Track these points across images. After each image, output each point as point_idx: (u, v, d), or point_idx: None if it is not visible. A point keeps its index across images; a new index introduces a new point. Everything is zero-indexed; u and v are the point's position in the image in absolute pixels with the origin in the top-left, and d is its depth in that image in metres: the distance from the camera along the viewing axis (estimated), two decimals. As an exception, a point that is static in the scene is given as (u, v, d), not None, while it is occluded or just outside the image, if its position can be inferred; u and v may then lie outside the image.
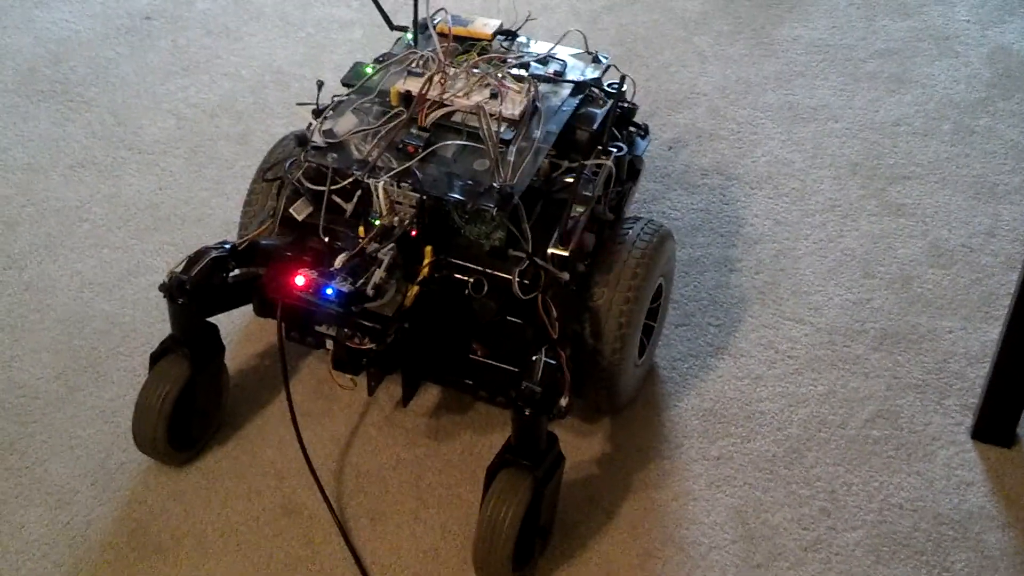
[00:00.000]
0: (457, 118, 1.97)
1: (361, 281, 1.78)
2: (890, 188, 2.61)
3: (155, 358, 1.98)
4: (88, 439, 2.08)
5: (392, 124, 1.94)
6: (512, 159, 1.89)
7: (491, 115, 1.93)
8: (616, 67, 2.14)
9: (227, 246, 1.98)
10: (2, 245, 2.43)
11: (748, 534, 1.96)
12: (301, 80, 2.87)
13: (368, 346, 1.82)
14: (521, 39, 2.19)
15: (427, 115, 1.95)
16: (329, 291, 1.76)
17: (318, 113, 2.07)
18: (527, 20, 2.23)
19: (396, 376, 2.03)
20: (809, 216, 2.53)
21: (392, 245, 1.82)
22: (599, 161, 1.99)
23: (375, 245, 1.83)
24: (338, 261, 1.82)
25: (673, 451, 2.08)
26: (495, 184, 1.85)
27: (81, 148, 2.66)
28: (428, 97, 1.96)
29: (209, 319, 2.00)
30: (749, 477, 2.05)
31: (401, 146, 1.92)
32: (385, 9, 2.25)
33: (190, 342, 1.97)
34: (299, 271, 1.79)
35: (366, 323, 1.80)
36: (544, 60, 2.10)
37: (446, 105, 1.96)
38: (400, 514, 1.98)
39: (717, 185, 2.60)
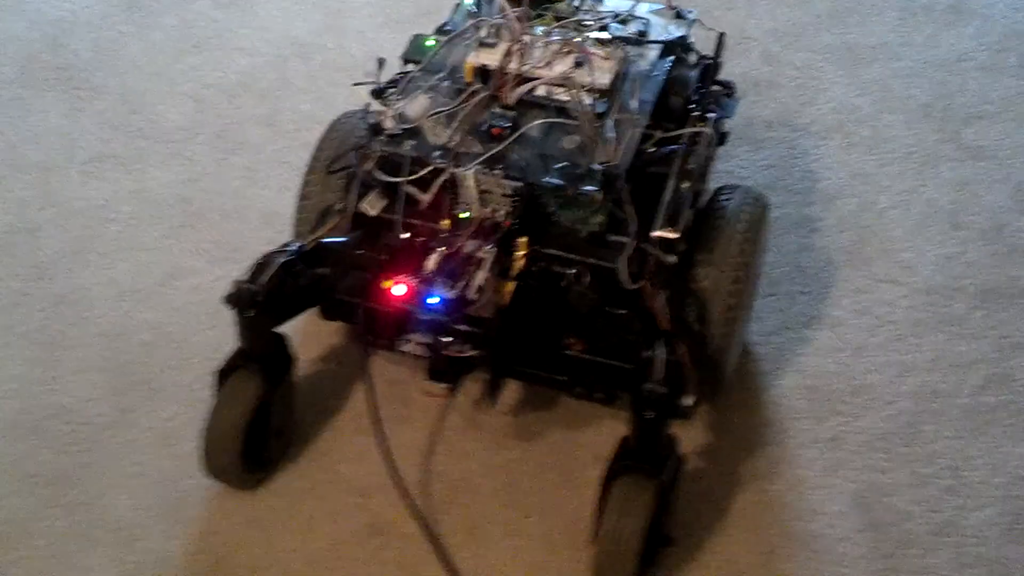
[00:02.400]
0: (540, 91, 1.79)
1: (462, 284, 1.61)
2: (965, 130, 2.45)
3: (223, 375, 1.81)
4: (149, 466, 1.92)
5: (472, 103, 1.76)
6: (610, 134, 1.72)
7: (580, 86, 1.75)
8: (702, 22, 1.96)
9: (294, 248, 1.80)
10: (26, 254, 2.23)
11: (873, 522, 1.83)
12: (323, 51, 2.67)
13: (470, 353, 1.66)
14: (592, -2, 2.01)
15: (510, 92, 1.77)
16: (434, 299, 1.59)
17: (378, 94, 1.89)
18: (598, -26, 2.03)
19: (473, 374, 1.86)
20: (886, 165, 2.38)
21: (493, 243, 1.65)
22: (698, 129, 1.82)
23: (471, 242, 1.66)
24: (431, 262, 1.65)
25: (780, 436, 1.94)
26: (596, 165, 1.68)
27: (97, 140, 2.46)
28: (508, 71, 1.78)
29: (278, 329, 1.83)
30: (866, 459, 1.91)
31: (485, 128, 1.74)
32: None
33: (261, 356, 1.80)
34: (396, 278, 1.62)
35: (466, 328, 1.64)
36: (624, 19, 1.91)
37: (529, 79, 1.78)
38: (498, 526, 1.83)
39: (784, 138, 2.44)
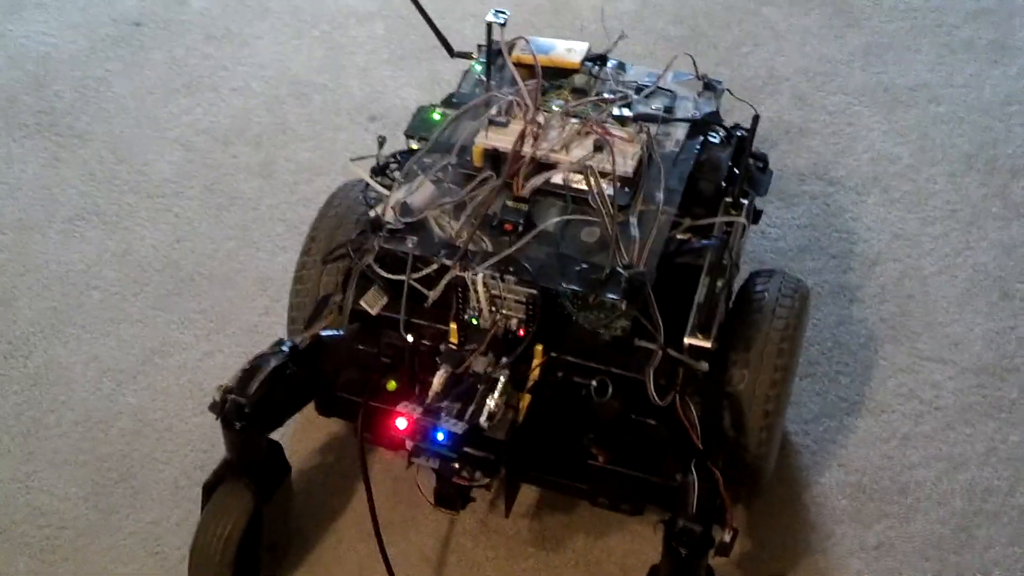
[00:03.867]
0: (556, 177, 1.62)
1: (471, 411, 1.45)
2: (1013, 184, 2.27)
3: (209, 489, 1.65)
4: (132, 576, 1.76)
5: (481, 193, 1.59)
6: (634, 231, 1.54)
7: (600, 174, 1.58)
8: (732, 92, 1.79)
9: (285, 349, 1.64)
10: (1, 327, 2.07)
11: (927, 645, 1.67)
12: (323, 90, 2.49)
13: (481, 483, 1.49)
14: (611, 63, 1.83)
15: (524, 181, 1.59)
16: (440, 435, 1.42)
17: (379, 171, 1.72)
18: (619, 40, 1.85)
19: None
20: (929, 225, 2.20)
21: (507, 363, 1.48)
22: (731, 218, 1.64)
23: (481, 360, 1.49)
24: (436, 382, 1.48)
25: (824, 542, 1.77)
26: (620, 268, 1.51)
27: (79, 195, 2.28)
28: (522, 155, 1.60)
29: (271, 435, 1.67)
30: (917, 569, 1.74)
31: (496, 223, 1.57)
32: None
33: (252, 468, 1.63)
34: (397, 410, 1.45)
35: (477, 454, 1.47)
36: (649, 93, 1.74)
37: (545, 166, 1.60)
38: (515, 648, 1.68)
39: (819, 193, 2.26)
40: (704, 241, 1.61)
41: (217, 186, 2.30)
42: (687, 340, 1.54)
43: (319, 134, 2.39)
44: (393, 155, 1.76)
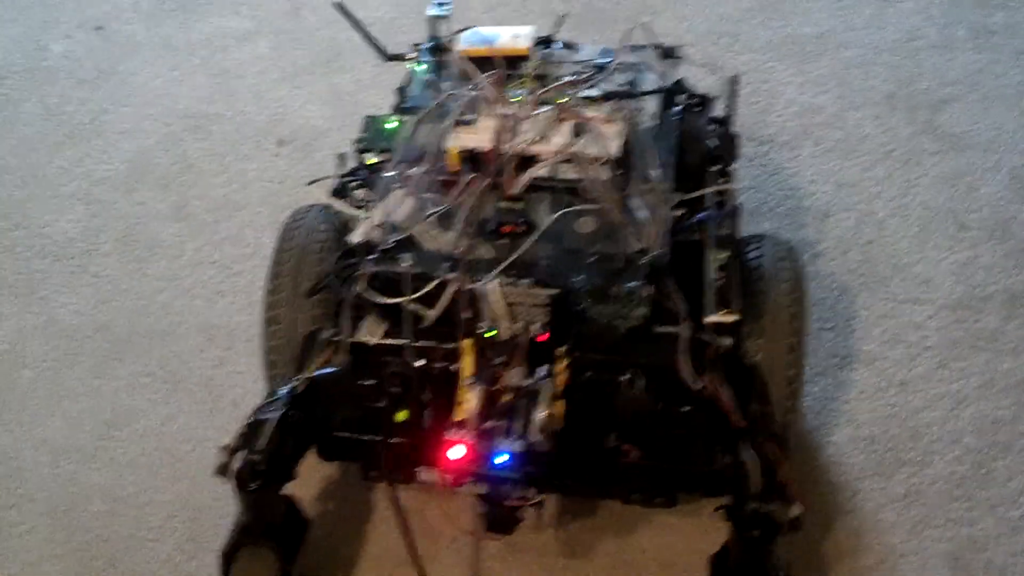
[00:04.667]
0: (541, 170, 1.53)
1: (519, 427, 1.35)
2: (936, 117, 2.29)
3: (229, 556, 1.50)
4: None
5: (469, 198, 1.49)
6: (641, 213, 1.47)
7: (589, 160, 1.50)
8: (694, 60, 1.73)
9: (282, 396, 1.51)
10: (-73, 426, 1.86)
11: (977, 584, 1.65)
12: (219, 121, 2.33)
13: (537, 499, 1.40)
14: (557, 45, 1.75)
15: (514, 178, 1.50)
16: (502, 458, 1.32)
17: (339, 192, 1.60)
18: (563, 19, 1.78)
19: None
20: (869, 170, 2.20)
21: (548, 371, 1.39)
22: (723, 187, 1.59)
23: (516, 370, 1.39)
24: (472, 403, 1.37)
25: (852, 500, 1.74)
26: (636, 254, 1.43)
27: (-19, 269, 2.08)
28: (502, 153, 1.51)
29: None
30: (948, 510, 1.73)
31: (494, 227, 1.47)
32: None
33: (272, 529, 1.50)
34: (451, 440, 1.34)
35: (526, 471, 1.38)
36: (614, 69, 1.66)
37: (530, 160, 1.51)
38: (573, 669, 1.58)
39: (753, 154, 2.23)
40: (703, 215, 1.55)
41: (131, 237, 2.13)
42: (709, 318, 1.48)
43: (227, 167, 2.24)
44: (350, 172, 1.64)
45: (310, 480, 1.75)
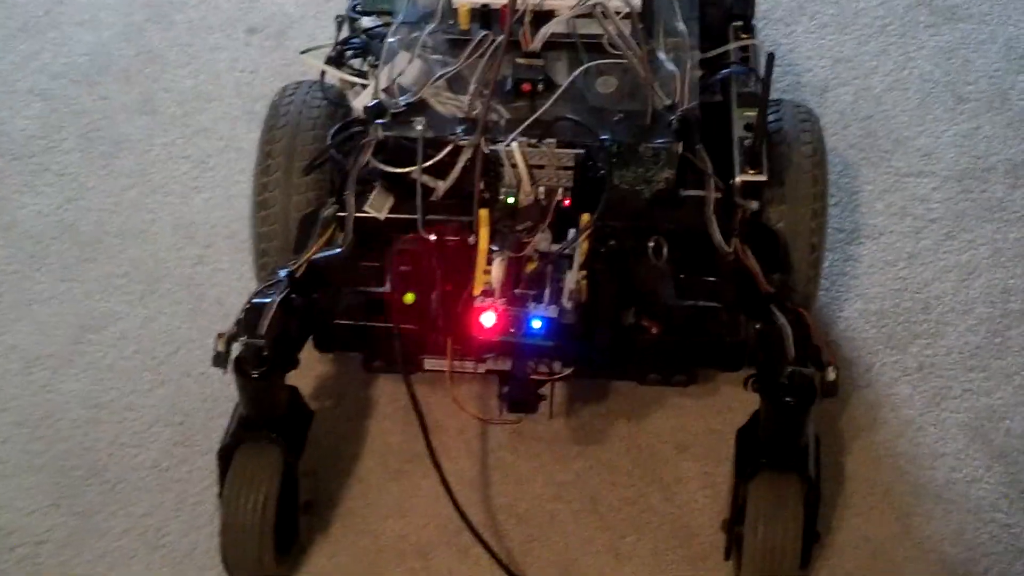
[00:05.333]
0: (559, 26, 1.44)
1: (548, 294, 1.27)
2: (931, -11, 2.23)
3: (226, 455, 1.41)
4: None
5: (485, 56, 1.39)
6: (669, 67, 1.38)
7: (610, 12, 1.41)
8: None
9: (282, 277, 1.41)
10: None
11: (998, 452, 1.61)
12: (184, 8, 2.20)
13: (563, 373, 1.32)
14: None
15: (531, 33, 1.40)
16: (537, 323, 1.24)
17: (336, 60, 1.50)
18: None
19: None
20: (865, 44, 2.13)
21: (577, 235, 1.30)
22: (748, 42, 1.51)
23: (543, 235, 1.31)
24: (496, 270, 1.29)
25: (867, 375, 1.69)
26: (665, 111, 1.35)
27: (-67, 171, 1.95)
28: (517, 7, 1.41)
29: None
30: (965, 381, 1.68)
31: (510, 86, 1.38)
32: None
33: (276, 421, 1.41)
34: (481, 307, 1.25)
35: (555, 343, 1.30)
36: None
37: (547, 15, 1.42)
38: (593, 556, 1.52)
39: (746, 30, 2.15)
40: (727, 71, 1.47)
41: (94, 133, 2.00)
42: (739, 178, 1.41)
43: (195, 57, 2.11)
44: (346, 39, 1.54)
45: (306, 375, 1.66)
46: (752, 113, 1.43)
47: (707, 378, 1.62)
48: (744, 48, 1.51)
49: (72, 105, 2.04)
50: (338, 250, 1.43)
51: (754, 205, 1.42)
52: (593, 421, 1.63)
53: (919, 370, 1.69)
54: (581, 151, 1.33)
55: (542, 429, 1.62)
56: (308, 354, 1.55)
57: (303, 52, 1.53)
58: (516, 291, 1.27)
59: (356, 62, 1.54)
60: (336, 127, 1.46)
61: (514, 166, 1.33)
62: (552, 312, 1.24)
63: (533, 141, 1.33)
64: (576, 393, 1.65)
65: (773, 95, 1.94)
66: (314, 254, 1.44)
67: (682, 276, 1.43)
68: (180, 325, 1.75)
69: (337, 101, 1.54)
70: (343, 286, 1.46)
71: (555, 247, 1.30)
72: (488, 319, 1.26)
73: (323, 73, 1.54)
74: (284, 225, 1.53)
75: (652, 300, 1.44)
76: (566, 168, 1.34)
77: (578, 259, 1.30)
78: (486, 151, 1.33)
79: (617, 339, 1.46)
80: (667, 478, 1.58)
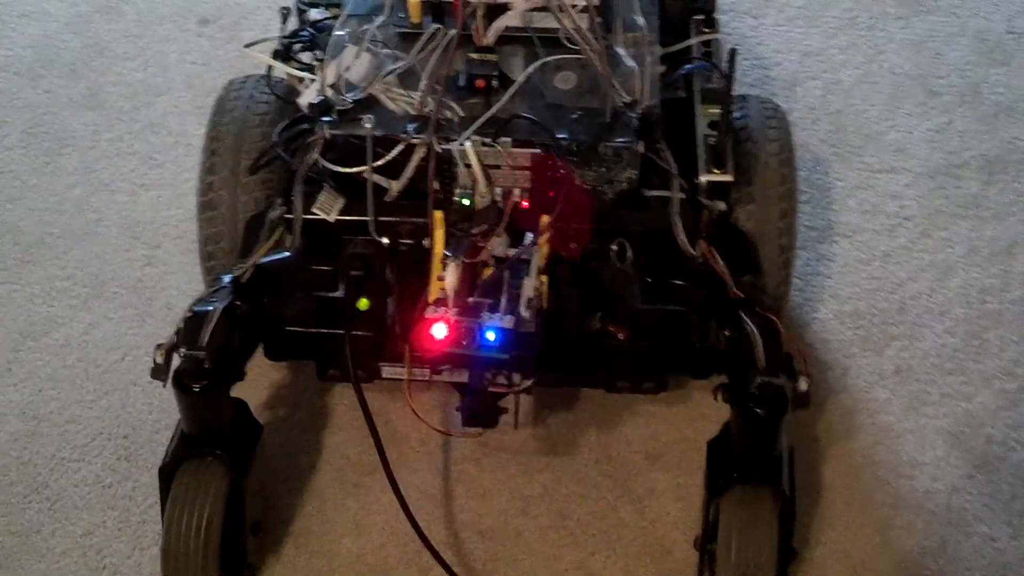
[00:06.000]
0: (513, 19, 1.37)
1: (504, 302, 1.20)
2: (899, -20, 2.17)
3: (168, 473, 1.33)
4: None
5: (436, 51, 1.32)
6: (629, 63, 1.32)
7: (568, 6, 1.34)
8: None
9: (226, 283, 1.34)
10: None
11: (980, 460, 1.55)
12: (132, 0, 2.11)
13: (522, 386, 1.25)
14: None
15: (485, 27, 1.33)
16: (491, 334, 1.17)
17: (283, 54, 1.42)
18: None
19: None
20: (833, 37, 2.08)
21: (536, 238, 1.23)
22: (710, 36, 1.44)
23: (498, 240, 1.24)
24: (449, 277, 1.22)
25: (843, 379, 1.63)
26: (625, 108, 1.28)
27: None
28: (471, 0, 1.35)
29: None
30: (943, 385, 1.63)
31: (464, 83, 1.31)
32: None
33: (220, 437, 1.33)
34: (431, 318, 1.18)
35: (512, 356, 1.23)
36: None
37: (495, 8, 1.35)
38: (563, 574, 1.45)
39: (712, 22, 2.09)
40: (690, 66, 1.41)
41: (38, 128, 1.92)
42: (703, 178, 1.35)
43: (144, 49, 2.03)
44: (294, 32, 1.46)
45: (257, 385, 1.58)
46: (716, 110, 1.37)
47: (679, 385, 1.56)
48: (707, 43, 1.44)
49: (14, 99, 1.96)
50: (287, 254, 1.36)
51: (721, 206, 1.36)
52: (561, 430, 1.57)
53: (896, 374, 1.64)
54: (537, 151, 1.26)
55: (508, 440, 1.55)
56: (261, 361, 1.48)
57: (247, 46, 1.45)
58: (471, 299, 1.19)
59: (306, 56, 1.47)
60: (283, 124, 1.39)
61: (468, 166, 1.25)
62: (508, 323, 1.17)
63: (487, 140, 1.26)
64: (543, 401, 1.58)
65: (739, 91, 1.91)
66: (261, 258, 1.36)
67: (649, 280, 1.36)
68: (126, 331, 1.67)
69: (286, 97, 1.46)
70: (293, 292, 1.39)
71: (512, 252, 1.23)
72: (439, 331, 1.18)
73: (269, 68, 1.46)
74: (231, 227, 1.46)
75: (618, 305, 1.37)
76: (523, 168, 1.27)
77: (536, 264, 1.23)
78: (439, 150, 1.26)
79: (583, 345, 1.39)
80: (639, 490, 1.51)
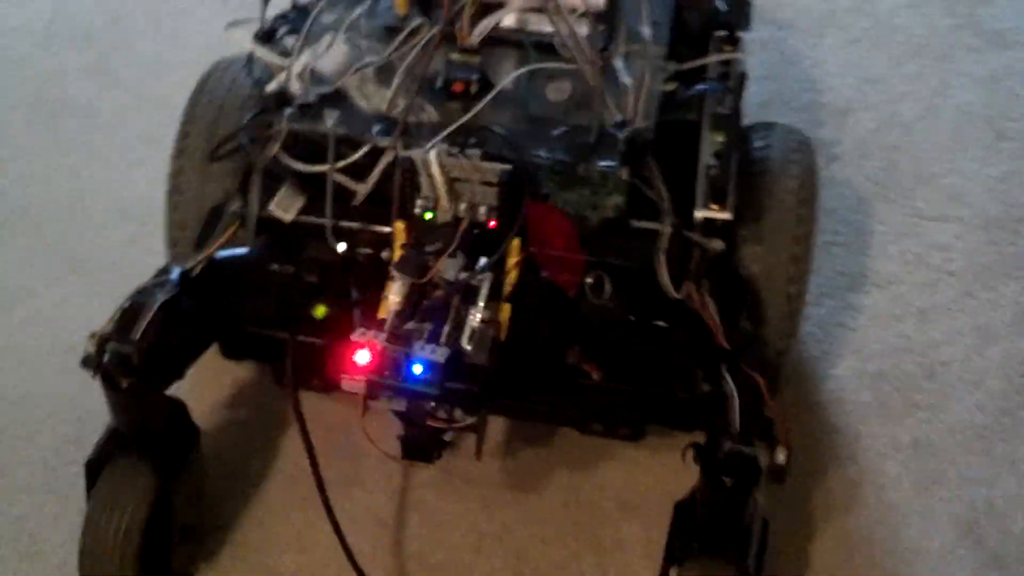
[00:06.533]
0: (507, 21, 1.24)
1: (447, 331, 1.08)
2: (980, 9, 2.00)
3: (94, 468, 1.25)
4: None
5: (416, 48, 1.21)
6: (624, 78, 1.19)
7: (567, 9, 1.21)
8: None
9: (174, 277, 1.24)
10: None
11: (992, 555, 1.38)
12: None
13: (463, 423, 1.14)
14: None
15: (470, 26, 1.21)
16: (417, 367, 1.05)
17: (266, 37, 1.32)
18: None
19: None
20: (900, 65, 1.91)
21: (489, 263, 1.11)
22: (728, 55, 1.30)
23: (451, 261, 1.12)
24: (394, 299, 1.10)
25: (852, 446, 1.48)
26: (613, 128, 1.15)
27: None
28: (461, -5, 1.23)
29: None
30: (963, 465, 1.47)
31: (442, 84, 1.19)
32: None
33: (150, 437, 1.24)
34: (357, 341, 1.07)
35: (456, 386, 1.11)
36: None
37: (490, 6, 1.23)
38: (510, 624, 1.34)
39: (770, 39, 1.94)
40: (701, 87, 1.27)
41: (44, 94, 1.85)
42: (699, 213, 1.21)
43: (161, 22, 1.95)
44: (282, 15, 1.36)
45: (220, 381, 1.49)
46: (722, 139, 1.23)
47: (665, 431, 1.42)
48: (727, 62, 1.30)
49: (25, 63, 1.90)
50: (240, 250, 1.26)
51: (718, 245, 1.22)
52: (532, 465, 1.45)
53: (913, 447, 1.48)
54: (507, 167, 1.14)
55: (473, 469, 1.43)
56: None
57: (229, 26, 1.35)
58: (407, 326, 1.08)
59: (292, 40, 1.36)
60: (254, 112, 1.28)
61: (430, 176, 1.14)
62: (438, 356, 1.05)
63: (455, 150, 1.14)
64: (517, 431, 1.46)
65: (783, 115, 1.76)
66: (213, 253, 1.26)
67: (632, 318, 1.23)
68: (98, 310, 1.53)
69: (266, 82, 1.36)
70: (249, 291, 1.29)
71: (463, 276, 1.11)
72: (361, 357, 1.07)
73: (250, 55, 1.36)
74: (198, 214, 1.36)
75: (593, 342, 1.25)
76: (490, 184, 1.15)
77: (485, 293, 1.10)
78: (400, 155, 1.15)
79: (552, 382, 1.27)
80: (605, 541, 1.38)
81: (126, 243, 1.66)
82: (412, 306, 1.10)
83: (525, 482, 1.43)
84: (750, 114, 1.78)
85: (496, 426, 1.45)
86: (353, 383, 1.27)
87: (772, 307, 1.31)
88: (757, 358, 1.22)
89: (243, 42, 1.33)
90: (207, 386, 1.49)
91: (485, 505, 1.41)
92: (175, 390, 1.43)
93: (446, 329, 1.08)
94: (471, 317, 1.08)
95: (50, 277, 1.62)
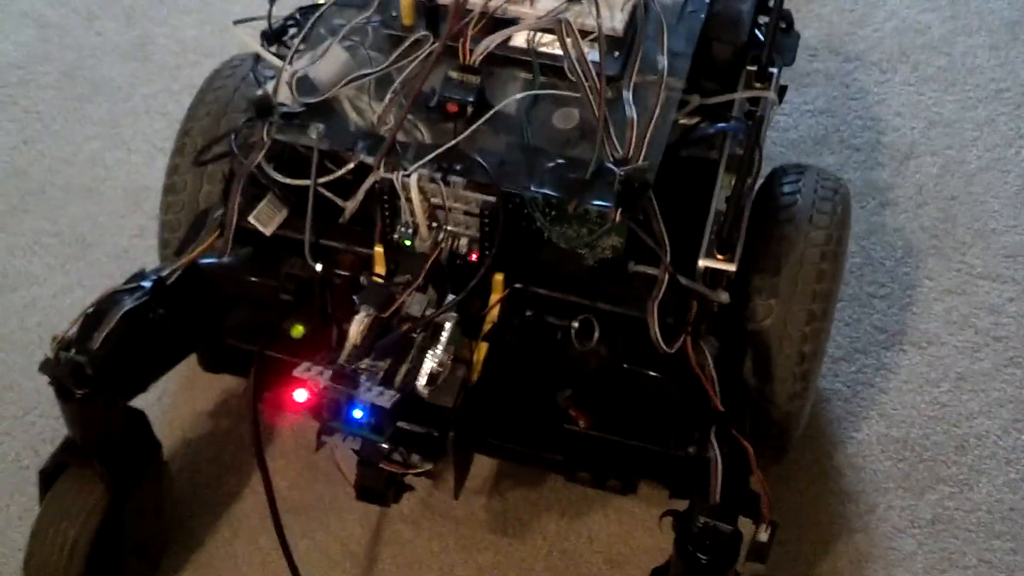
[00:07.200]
0: (517, 39, 1.16)
1: (404, 371, 1.01)
2: (1066, 57, 1.86)
3: (48, 478, 1.20)
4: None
5: (413, 62, 1.13)
6: (629, 111, 1.10)
7: (579, 32, 1.12)
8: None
9: (146, 284, 1.18)
10: None
11: (1006, 655, 1.28)
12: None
13: (420, 469, 1.06)
14: None
15: (472, 43, 1.13)
16: (358, 412, 0.98)
17: (274, 37, 1.26)
18: None
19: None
20: (971, 109, 1.78)
21: (454, 301, 1.04)
22: (757, 93, 1.21)
23: (419, 296, 1.05)
24: (354, 331, 1.03)
25: (866, 517, 1.37)
26: (611, 164, 1.07)
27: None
28: (470, 6, 1.15)
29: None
30: (985, 549, 1.35)
31: (436, 103, 1.12)
32: None
33: (105, 450, 1.19)
34: (295, 375, 1.00)
35: (414, 429, 1.04)
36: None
37: (502, 23, 1.15)
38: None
39: (835, 71, 1.82)
40: (721, 125, 1.17)
41: (78, 72, 1.82)
42: (702, 262, 1.12)
43: (208, 4, 1.90)
44: (292, 14, 1.29)
45: (208, 391, 1.44)
46: (739, 184, 1.13)
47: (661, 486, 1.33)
48: (755, 100, 1.20)
49: (64, 37, 1.86)
50: (217, 259, 1.20)
51: (723, 297, 1.13)
52: (518, 508, 1.37)
53: (932, 524, 1.37)
54: (491, 198, 1.05)
55: (456, 507, 1.36)
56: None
57: (237, 23, 1.29)
58: (358, 363, 1.00)
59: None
60: (248, 116, 1.22)
61: (410, 201, 1.06)
62: (385, 400, 0.97)
63: (437, 175, 1.06)
64: (507, 470, 1.38)
65: (837, 152, 1.66)
66: (191, 260, 1.20)
67: (625, 365, 1.14)
68: None
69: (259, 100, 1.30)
70: (227, 302, 1.23)
71: (428, 312, 1.03)
72: (299, 396, 1.00)
73: (257, 55, 1.30)
74: (190, 216, 1.31)
75: (583, 387, 1.16)
76: (474, 215, 1.07)
77: (448, 334, 1.02)
78: (380, 177, 1.07)
79: (538, 426, 1.19)
80: (591, 592, 1.30)
81: (135, 234, 1.62)
82: (372, 341, 1.02)
83: (508, 525, 1.35)
84: (802, 149, 1.70)
85: (484, 462, 1.38)
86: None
87: (782, 365, 1.21)
88: (748, 424, 1.13)
89: (251, 41, 1.26)
90: (195, 393, 1.44)
91: (463, 546, 1.34)
92: (163, 395, 1.40)
93: (403, 369, 1.00)
94: (430, 358, 1.00)
95: (54, 263, 1.59)
